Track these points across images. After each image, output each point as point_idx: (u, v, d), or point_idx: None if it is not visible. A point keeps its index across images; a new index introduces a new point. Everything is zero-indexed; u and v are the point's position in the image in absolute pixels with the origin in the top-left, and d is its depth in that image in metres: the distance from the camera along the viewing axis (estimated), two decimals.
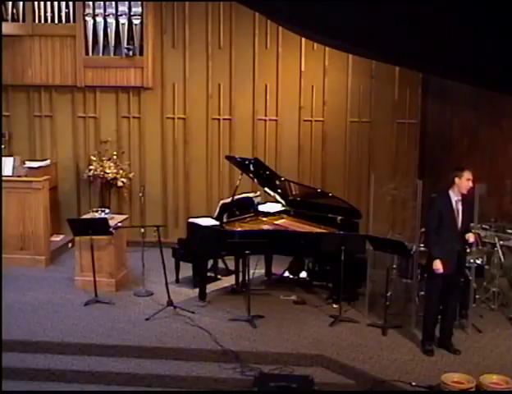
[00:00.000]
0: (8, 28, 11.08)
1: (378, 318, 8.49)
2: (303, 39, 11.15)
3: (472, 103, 10.65)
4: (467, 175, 7.45)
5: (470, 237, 7.60)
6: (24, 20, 11.41)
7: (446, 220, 7.48)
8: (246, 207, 9.92)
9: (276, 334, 8.14)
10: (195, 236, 9.39)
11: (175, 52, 11.62)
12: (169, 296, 8.78)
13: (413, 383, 6.95)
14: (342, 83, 11.48)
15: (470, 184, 7.46)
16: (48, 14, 11.41)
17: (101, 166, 11.43)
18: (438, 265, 7.41)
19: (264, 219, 9.84)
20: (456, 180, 7.46)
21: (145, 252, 9.25)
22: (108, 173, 11.38)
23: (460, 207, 7.51)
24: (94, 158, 11.54)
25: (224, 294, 9.54)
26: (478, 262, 8.70)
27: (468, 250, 8.43)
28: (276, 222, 9.70)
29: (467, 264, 8.35)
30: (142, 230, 9.45)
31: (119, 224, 9.64)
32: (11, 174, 10.55)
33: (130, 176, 11.69)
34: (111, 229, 9.19)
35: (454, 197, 7.50)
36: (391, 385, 7.02)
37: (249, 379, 7.28)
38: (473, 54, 5.72)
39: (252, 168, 9.73)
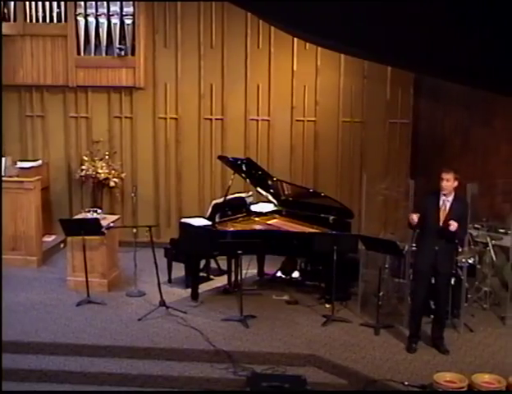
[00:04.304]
0: None
1: (371, 318, 8.50)
2: (295, 39, 11.15)
3: (464, 103, 10.67)
4: (442, 175, 7.53)
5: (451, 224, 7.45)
6: (15, 20, 11.37)
7: (429, 217, 7.57)
8: (238, 207, 9.92)
9: (269, 334, 8.14)
10: (187, 236, 9.38)
11: (167, 52, 11.60)
12: (161, 296, 8.77)
13: (406, 383, 6.97)
14: (334, 83, 11.48)
15: (445, 183, 7.48)
16: (40, 14, 11.35)
17: (93, 166, 11.39)
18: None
19: (256, 219, 9.84)
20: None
21: (137, 252, 9.23)
22: (100, 173, 11.34)
23: (448, 205, 7.54)
24: (86, 158, 11.50)
25: (216, 294, 9.54)
26: (470, 261, 8.74)
27: (460, 250, 8.48)
28: (268, 222, 9.70)
29: (459, 264, 8.40)
30: (134, 230, 9.42)
31: (111, 224, 9.62)
32: (2, 174, 10.52)
33: (122, 176, 11.66)
34: (103, 229, 9.17)
35: (443, 196, 7.55)
36: (384, 384, 7.03)
37: (241, 379, 7.29)
38: (466, 54, 5.73)
39: (244, 168, 9.72)
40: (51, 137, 11.88)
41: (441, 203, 7.57)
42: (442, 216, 7.53)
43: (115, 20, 11.22)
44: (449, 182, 7.49)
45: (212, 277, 10.04)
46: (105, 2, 11.21)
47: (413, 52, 6.12)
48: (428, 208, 7.62)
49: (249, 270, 9.83)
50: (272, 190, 10.06)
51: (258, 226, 9.53)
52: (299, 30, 8.48)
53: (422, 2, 5.17)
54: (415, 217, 7.60)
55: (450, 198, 7.56)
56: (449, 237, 7.52)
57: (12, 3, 11.33)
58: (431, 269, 7.60)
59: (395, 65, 9.63)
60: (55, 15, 11.37)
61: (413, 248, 8.34)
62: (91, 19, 11.24)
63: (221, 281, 9.91)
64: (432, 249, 7.55)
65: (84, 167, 11.43)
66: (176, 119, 11.77)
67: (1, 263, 9.63)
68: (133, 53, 11.36)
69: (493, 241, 9.13)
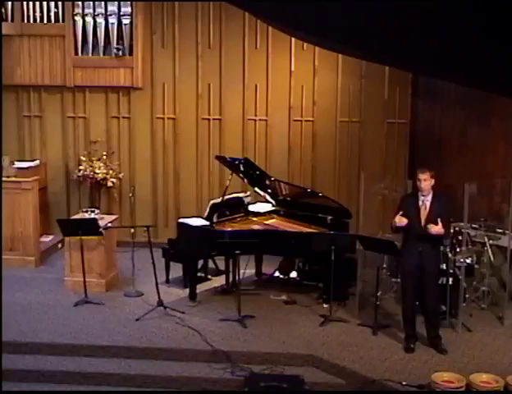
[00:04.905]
0: None
1: (368, 318, 8.49)
2: (293, 39, 11.14)
3: (461, 103, 10.67)
4: (418, 175, 7.56)
5: (431, 228, 7.42)
6: (12, 20, 11.35)
7: (410, 218, 7.56)
8: (236, 207, 9.92)
9: (267, 334, 8.14)
10: (185, 236, 9.38)
11: (164, 52, 11.59)
12: (159, 297, 8.77)
13: (404, 383, 6.96)
14: (332, 83, 11.48)
15: (423, 183, 7.49)
16: (37, 14, 11.35)
17: (91, 166, 11.39)
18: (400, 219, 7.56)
19: (254, 219, 9.83)
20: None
21: (135, 252, 9.23)
22: (98, 173, 11.34)
23: (428, 205, 7.54)
24: (84, 159, 11.50)
25: (214, 294, 9.53)
26: (468, 261, 8.74)
27: (457, 250, 8.48)
28: (266, 222, 9.70)
29: (457, 264, 8.41)
30: (132, 230, 9.43)
31: (109, 224, 9.61)
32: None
33: (120, 176, 11.66)
34: (100, 229, 9.16)
35: (421, 196, 7.57)
36: (382, 384, 7.03)
37: (239, 379, 7.29)
38: (464, 54, 5.74)
39: (242, 168, 9.71)
40: (48, 137, 11.87)
41: (420, 203, 7.58)
42: (423, 216, 7.54)
43: (112, 20, 11.22)
44: (426, 182, 7.50)
45: (210, 277, 10.04)
46: (103, 2, 11.21)
47: (411, 52, 6.13)
48: (408, 210, 7.62)
49: (247, 270, 9.81)
50: (269, 190, 10.05)
51: (255, 226, 9.52)
52: (297, 30, 8.49)
53: (420, 2, 5.17)
54: (399, 220, 7.56)
55: (429, 197, 7.56)
56: (432, 236, 7.51)
57: (10, 3, 11.32)
58: (417, 270, 7.59)
59: (393, 65, 9.64)
60: (52, 15, 11.36)
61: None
62: (89, 19, 11.24)
63: (219, 281, 9.91)
64: (416, 249, 7.55)
65: (81, 168, 11.44)
66: (173, 119, 11.76)
67: (1, 264, 9.61)
68: (131, 53, 11.36)
69: (491, 241, 9.12)
